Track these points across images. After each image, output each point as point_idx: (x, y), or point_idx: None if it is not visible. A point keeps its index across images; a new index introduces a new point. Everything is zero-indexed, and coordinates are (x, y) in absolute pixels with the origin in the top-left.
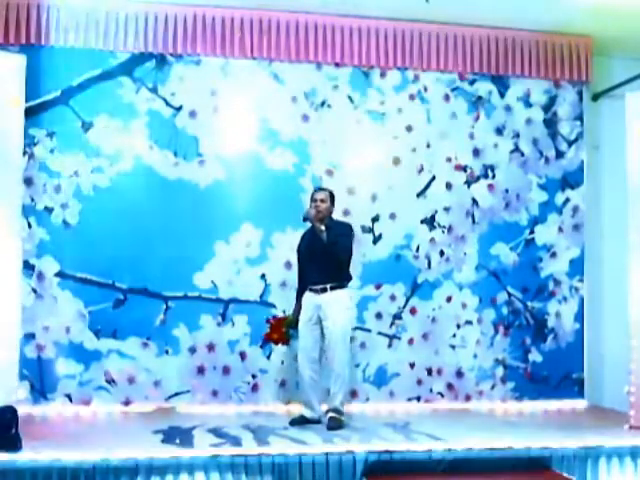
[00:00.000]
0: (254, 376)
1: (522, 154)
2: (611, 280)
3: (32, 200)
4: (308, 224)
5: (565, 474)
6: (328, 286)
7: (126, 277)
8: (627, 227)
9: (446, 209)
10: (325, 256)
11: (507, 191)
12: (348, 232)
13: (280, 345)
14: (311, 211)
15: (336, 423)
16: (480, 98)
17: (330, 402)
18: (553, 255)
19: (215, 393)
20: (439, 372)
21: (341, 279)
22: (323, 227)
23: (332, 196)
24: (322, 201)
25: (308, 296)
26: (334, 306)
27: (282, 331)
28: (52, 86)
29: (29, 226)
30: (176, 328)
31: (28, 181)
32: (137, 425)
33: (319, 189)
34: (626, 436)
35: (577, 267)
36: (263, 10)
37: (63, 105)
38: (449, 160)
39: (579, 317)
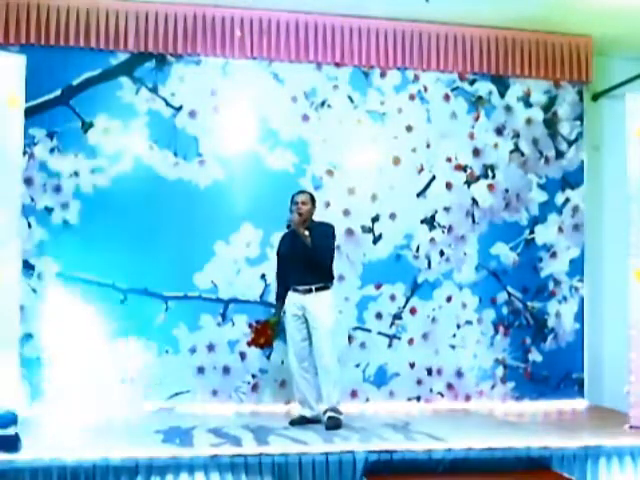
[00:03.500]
0: (254, 376)
1: (522, 154)
2: (611, 280)
3: (32, 200)
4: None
5: (565, 474)
6: (313, 287)
7: (126, 277)
8: (627, 227)
9: (446, 209)
10: (309, 259)
11: (507, 191)
12: (330, 233)
13: (265, 348)
14: (294, 217)
15: (335, 423)
16: (480, 98)
17: (327, 402)
18: (553, 255)
19: (215, 393)
20: (439, 372)
21: (325, 280)
22: (307, 232)
23: (312, 198)
24: (303, 203)
25: (292, 295)
26: (319, 306)
27: (268, 334)
28: (52, 86)
29: (29, 226)
30: (176, 328)
31: (28, 181)
32: (137, 425)
33: (300, 192)
34: (626, 436)
35: (577, 267)
36: (263, 10)
37: (63, 105)
38: (449, 160)
39: (579, 317)
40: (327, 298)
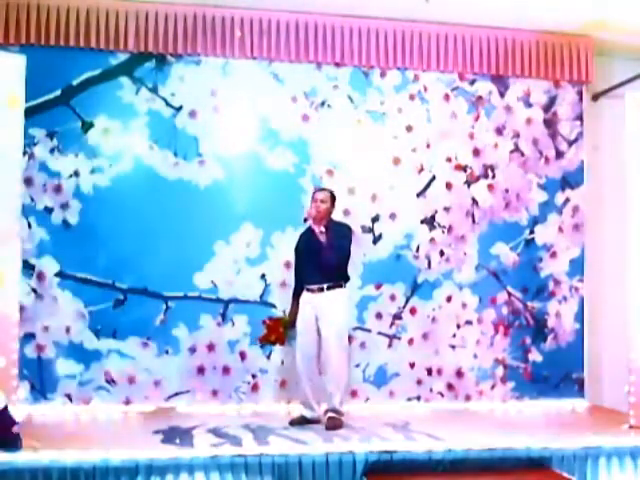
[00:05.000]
0: (254, 376)
1: (522, 154)
2: (611, 280)
3: (32, 200)
4: (307, 223)
5: (565, 474)
6: (325, 286)
7: (126, 277)
8: (627, 227)
9: (446, 209)
10: (323, 257)
11: (507, 191)
12: (347, 234)
13: (277, 346)
14: (312, 211)
15: (335, 423)
16: (480, 98)
17: (328, 402)
18: (553, 255)
19: (215, 393)
20: (439, 372)
21: (338, 279)
22: (323, 229)
23: (333, 197)
24: (322, 201)
25: (305, 296)
26: (331, 306)
27: (280, 332)
28: (52, 86)
29: (29, 226)
30: (176, 328)
31: (28, 181)
32: (137, 425)
33: (320, 189)
34: (626, 436)
35: (577, 267)
36: (263, 10)
37: (63, 105)
38: (449, 160)
39: (579, 317)
40: (339, 298)
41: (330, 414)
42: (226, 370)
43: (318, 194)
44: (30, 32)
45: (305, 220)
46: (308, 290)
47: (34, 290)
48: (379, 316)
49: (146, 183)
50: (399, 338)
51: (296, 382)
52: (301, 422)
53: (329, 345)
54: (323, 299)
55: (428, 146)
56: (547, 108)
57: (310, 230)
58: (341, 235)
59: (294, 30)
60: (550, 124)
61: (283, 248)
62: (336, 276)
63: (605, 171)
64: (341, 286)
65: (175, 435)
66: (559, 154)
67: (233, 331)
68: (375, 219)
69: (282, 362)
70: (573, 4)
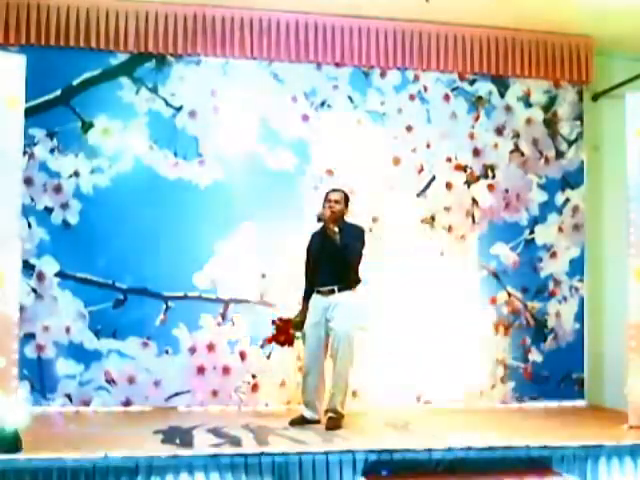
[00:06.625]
0: (254, 376)
1: (522, 154)
2: (611, 280)
3: (32, 200)
4: (318, 224)
5: (565, 474)
6: (336, 288)
7: (126, 277)
8: (627, 227)
9: (446, 209)
10: (335, 259)
11: (507, 191)
12: (361, 236)
13: (286, 347)
14: (325, 212)
15: (334, 423)
16: (480, 98)
17: (329, 402)
18: (553, 255)
19: (215, 393)
20: (439, 372)
21: (349, 281)
22: (337, 229)
23: (346, 197)
24: (336, 202)
25: (316, 299)
26: (341, 308)
27: (290, 333)
28: (52, 86)
29: (29, 226)
30: (176, 328)
31: (28, 181)
32: (137, 425)
33: (334, 190)
34: (626, 436)
35: (577, 267)
36: (263, 10)
37: (63, 105)
38: (449, 160)
39: (579, 317)
40: (349, 300)
41: (330, 414)
42: (226, 370)
43: (332, 194)
44: (30, 32)
45: (318, 220)
46: (319, 292)
47: (34, 290)
48: (379, 316)
49: (146, 183)
50: (399, 338)
51: (298, 382)
52: (301, 422)
53: (336, 347)
54: (334, 301)
55: (428, 146)
56: (547, 108)
57: (322, 231)
58: (356, 237)
59: (294, 30)
60: (550, 124)
61: (283, 248)
62: (348, 278)
63: (605, 171)
64: (352, 288)
65: (175, 435)
66: (559, 154)
67: (233, 331)
68: (375, 219)
69: (282, 362)
70: (573, 4)
